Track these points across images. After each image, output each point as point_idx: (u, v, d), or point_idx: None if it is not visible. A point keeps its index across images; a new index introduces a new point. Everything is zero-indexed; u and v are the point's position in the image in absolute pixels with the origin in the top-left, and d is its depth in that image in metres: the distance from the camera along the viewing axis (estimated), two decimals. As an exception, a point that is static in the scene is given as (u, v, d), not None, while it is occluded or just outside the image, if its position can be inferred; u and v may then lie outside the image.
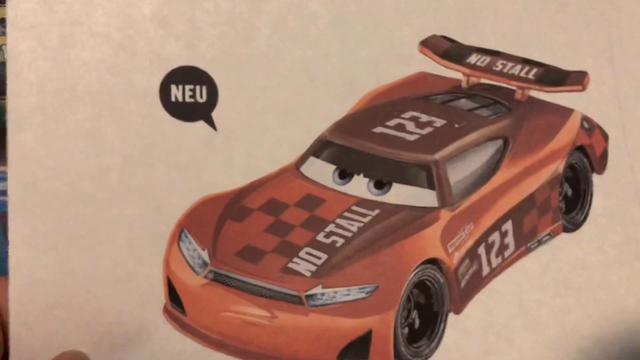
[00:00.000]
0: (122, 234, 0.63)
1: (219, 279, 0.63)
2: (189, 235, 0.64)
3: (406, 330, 0.63)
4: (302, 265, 0.62)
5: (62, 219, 0.62)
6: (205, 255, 0.63)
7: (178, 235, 0.64)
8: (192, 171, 0.64)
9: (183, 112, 0.64)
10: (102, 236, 0.63)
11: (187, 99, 0.64)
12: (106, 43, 0.62)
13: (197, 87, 0.64)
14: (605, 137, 0.70)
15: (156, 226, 0.64)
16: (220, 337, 0.62)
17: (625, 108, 0.69)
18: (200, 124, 0.65)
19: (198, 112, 0.65)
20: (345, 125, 0.67)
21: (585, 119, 0.70)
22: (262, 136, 0.65)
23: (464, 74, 0.71)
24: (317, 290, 0.61)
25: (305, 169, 0.67)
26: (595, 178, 0.70)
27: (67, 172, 0.63)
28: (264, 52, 0.65)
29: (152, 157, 0.64)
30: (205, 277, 0.63)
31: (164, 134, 0.64)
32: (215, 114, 0.65)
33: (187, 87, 0.64)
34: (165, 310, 0.63)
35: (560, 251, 0.66)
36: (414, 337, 0.63)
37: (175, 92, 0.64)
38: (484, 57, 0.70)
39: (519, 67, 0.70)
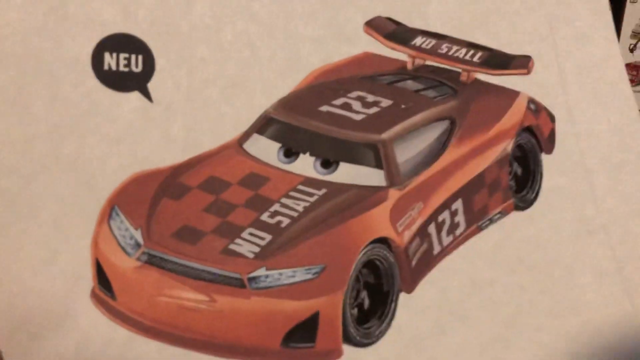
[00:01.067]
0: (47, 210, 0.58)
1: (153, 261, 0.58)
2: (120, 214, 0.60)
3: (355, 311, 0.59)
4: (245, 247, 0.58)
5: (-21, 192, 0.57)
6: (138, 235, 0.59)
7: (108, 213, 0.60)
8: (125, 144, 0.61)
9: (117, 81, 0.61)
10: (24, 212, 0.58)
11: (122, 68, 0.61)
12: (35, 3, 0.59)
13: (133, 56, 0.61)
14: (552, 118, 0.70)
15: (85, 203, 0.59)
16: (154, 324, 0.57)
17: (570, 91, 0.70)
18: (135, 95, 0.61)
19: (133, 82, 0.61)
20: (290, 103, 0.65)
21: (531, 101, 0.70)
22: (203, 110, 0.63)
23: (409, 55, 0.70)
24: (261, 272, 0.57)
25: (249, 146, 0.64)
26: (546, 158, 0.69)
27: (-13, 141, 0.58)
28: (205, 23, 0.63)
29: (83, 128, 0.60)
30: (138, 259, 0.58)
31: (96, 103, 0.60)
32: (151, 85, 0.62)
33: (122, 55, 0.61)
34: (93, 295, 0.58)
35: (512, 229, 0.65)
36: (363, 318, 0.60)
37: (109, 60, 0.61)
38: (429, 40, 0.70)
39: (464, 50, 0.70)
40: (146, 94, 0.61)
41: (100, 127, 0.60)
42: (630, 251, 0.64)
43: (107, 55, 0.61)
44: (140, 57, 0.61)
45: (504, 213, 0.67)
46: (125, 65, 0.61)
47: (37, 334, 0.56)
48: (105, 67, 0.60)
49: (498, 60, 0.70)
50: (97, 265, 0.59)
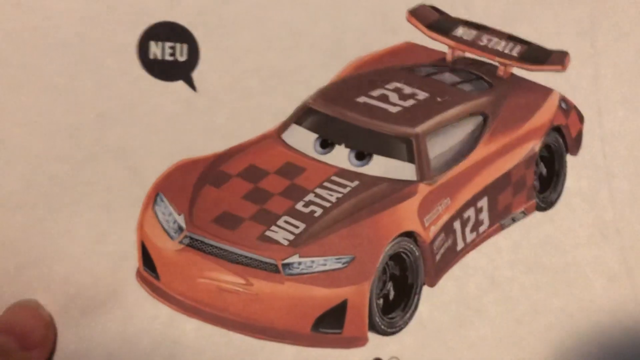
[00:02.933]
0: (96, 195, 0.61)
1: (194, 244, 0.61)
2: (164, 199, 0.62)
3: (381, 301, 0.64)
4: (280, 234, 0.61)
5: (33, 177, 0.60)
6: (181, 220, 0.62)
7: (153, 198, 0.62)
8: (170, 133, 0.62)
9: (162, 70, 0.62)
10: (75, 196, 0.61)
11: (167, 57, 0.61)
12: (84, -7, 0.59)
13: (178, 45, 0.62)
14: (581, 118, 0.71)
15: (132, 188, 0.62)
16: (195, 304, 0.61)
17: (602, 91, 0.71)
18: (180, 84, 0.62)
19: (178, 71, 0.62)
20: (329, 93, 0.66)
21: (563, 99, 0.71)
22: (244, 100, 0.64)
23: (449, 46, 0.70)
24: (294, 259, 0.61)
25: (287, 136, 0.66)
26: (569, 159, 0.71)
27: (39, 128, 0.60)
28: (250, 12, 0.63)
29: (129, 116, 0.61)
30: (181, 242, 0.62)
31: (142, 92, 0.61)
32: (195, 75, 0.62)
33: (167, 44, 0.61)
34: (139, 275, 0.62)
35: (532, 229, 0.68)
36: (388, 308, 0.64)
37: (155, 49, 0.61)
38: (470, 31, 0.70)
39: (503, 43, 0.70)
40: (190, 84, 0.62)
41: (146, 116, 0.61)
42: (640, 255, 0.68)
43: (152, 44, 0.61)
44: (185, 46, 0.62)
45: (526, 213, 0.70)
46: (170, 54, 0.61)
47: (87, 310, 0.60)
48: (151, 56, 0.61)
49: (535, 55, 0.70)
50: (142, 248, 0.62)
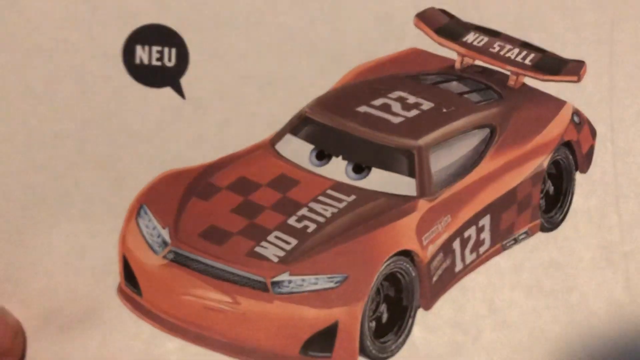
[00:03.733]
0: (76, 206, 0.58)
1: (179, 260, 0.59)
2: (148, 212, 0.59)
3: (373, 324, 0.61)
4: (270, 250, 0.59)
5: (11, 187, 0.57)
6: (165, 234, 0.59)
7: (137, 210, 0.59)
8: (156, 142, 0.59)
9: (148, 76, 0.58)
10: (55, 207, 0.58)
11: (154, 62, 0.58)
12: (64, -7, 0.55)
13: (166, 49, 0.58)
14: (593, 134, 0.67)
15: (114, 200, 0.59)
16: (178, 322, 0.59)
17: (617, 105, 0.67)
18: (167, 91, 0.59)
19: (165, 77, 0.58)
20: (327, 102, 0.63)
21: (576, 112, 0.67)
22: (236, 108, 0.60)
23: (458, 53, 0.66)
24: (284, 277, 0.58)
25: (281, 147, 0.63)
26: (578, 176, 0.68)
27: (17, 136, 0.56)
28: (244, 14, 0.59)
29: (113, 124, 0.58)
30: (165, 257, 0.59)
31: (127, 99, 0.58)
32: (184, 81, 0.59)
33: (155, 48, 0.57)
34: (120, 290, 0.60)
35: (535, 251, 0.65)
36: (380, 331, 0.62)
37: (141, 54, 0.57)
38: (481, 37, 0.66)
39: (516, 50, 0.66)
40: (179, 91, 0.59)
41: (130, 124, 0.58)
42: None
43: (138, 48, 0.57)
44: (173, 51, 0.58)
45: (529, 233, 0.67)
46: (157, 59, 0.58)
47: (64, 327, 0.58)
48: (137, 60, 0.57)
49: (550, 64, 0.66)
50: (124, 262, 0.60)
